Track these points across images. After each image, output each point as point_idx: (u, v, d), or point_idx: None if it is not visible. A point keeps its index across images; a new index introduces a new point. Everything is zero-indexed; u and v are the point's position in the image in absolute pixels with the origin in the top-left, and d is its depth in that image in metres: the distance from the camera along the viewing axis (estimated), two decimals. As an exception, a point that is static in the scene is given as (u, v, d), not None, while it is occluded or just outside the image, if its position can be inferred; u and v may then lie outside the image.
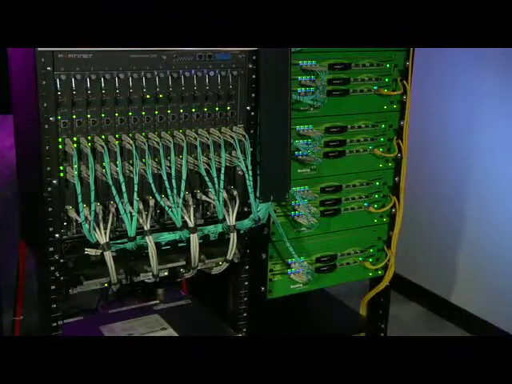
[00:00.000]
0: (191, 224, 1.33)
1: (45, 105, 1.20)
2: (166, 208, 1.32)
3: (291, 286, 1.65)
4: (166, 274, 1.37)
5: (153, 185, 1.29)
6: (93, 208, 1.23)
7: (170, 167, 1.31)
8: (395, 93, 1.63)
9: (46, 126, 1.21)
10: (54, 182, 1.25)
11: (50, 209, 1.26)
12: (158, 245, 1.31)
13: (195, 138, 1.35)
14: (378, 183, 1.69)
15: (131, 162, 1.29)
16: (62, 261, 1.29)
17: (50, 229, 1.27)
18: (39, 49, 1.17)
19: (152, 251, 1.28)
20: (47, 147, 1.22)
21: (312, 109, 1.54)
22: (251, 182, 1.40)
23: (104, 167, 1.25)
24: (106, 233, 1.25)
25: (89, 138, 1.27)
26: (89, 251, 1.26)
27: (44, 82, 1.19)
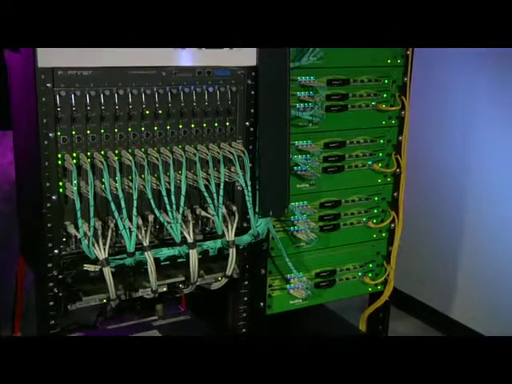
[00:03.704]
0: (190, 239, 1.33)
1: (44, 121, 1.21)
2: (165, 224, 1.32)
3: (290, 302, 1.64)
4: (165, 289, 1.37)
5: (152, 200, 1.29)
6: (92, 224, 1.23)
7: (169, 183, 1.31)
8: (393, 108, 1.64)
9: (46, 142, 1.22)
10: (54, 197, 1.25)
11: (49, 224, 1.26)
12: (157, 260, 1.31)
13: (194, 154, 1.35)
14: (376, 198, 1.70)
15: (130, 177, 1.29)
16: (60, 277, 1.28)
17: (49, 244, 1.27)
18: (39, 65, 1.17)
19: (151, 267, 1.28)
20: (47, 163, 1.23)
21: (311, 124, 1.55)
22: (250, 198, 1.41)
23: (103, 183, 1.25)
24: (105, 248, 1.25)
25: (88, 153, 1.27)
26: (88, 267, 1.26)
27: (44, 99, 1.20)
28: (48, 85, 1.20)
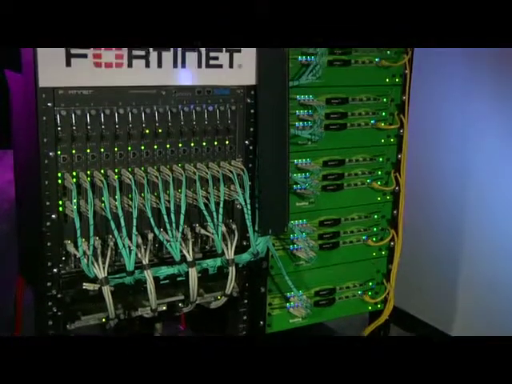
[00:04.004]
0: (190, 258, 1.33)
1: (45, 140, 1.21)
2: (165, 242, 1.32)
3: (290, 320, 1.64)
4: (164, 308, 1.37)
5: (151, 219, 1.29)
6: (91, 242, 1.23)
7: (168, 201, 1.31)
8: (392, 127, 1.64)
9: (46, 161, 1.22)
10: (53, 216, 1.25)
11: (48, 243, 1.26)
12: (156, 279, 1.31)
13: (194, 172, 1.35)
14: (376, 216, 1.70)
15: (130, 196, 1.29)
16: (59, 296, 1.28)
17: (48, 263, 1.26)
18: (40, 85, 1.18)
19: (150, 286, 1.28)
20: (47, 182, 1.23)
21: (310, 143, 1.55)
22: (250, 216, 1.41)
23: (103, 201, 1.25)
24: (104, 267, 1.24)
25: (88, 172, 1.27)
26: (87, 286, 1.25)
27: (44, 118, 1.20)
28: (49, 104, 1.20)
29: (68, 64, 1.20)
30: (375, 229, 1.70)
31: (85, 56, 1.21)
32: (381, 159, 1.67)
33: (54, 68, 1.19)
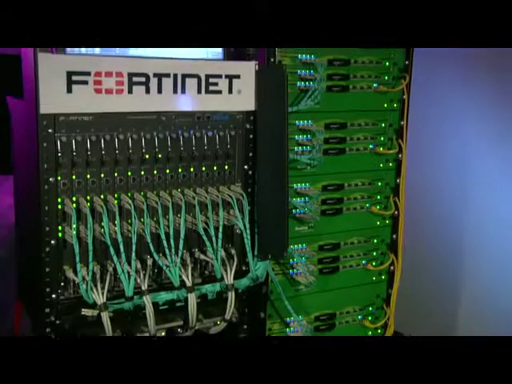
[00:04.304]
0: (189, 283, 1.33)
1: (45, 166, 1.22)
2: (164, 267, 1.32)
3: (290, 346, 1.63)
4: (163, 334, 1.36)
5: (151, 244, 1.29)
6: (90, 268, 1.23)
7: (168, 226, 1.32)
8: (391, 151, 1.65)
9: (46, 187, 1.22)
10: (53, 242, 1.25)
11: (47, 269, 1.25)
12: (155, 305, 1.30)
13: (193, 197, 1.36)
14: (375, 241, 1.70)
15: (130, 221, 1.29)
16: (58, 322, 1.27)
17: (47, 289, 1.26)
18: (42, 112, 1.19)
19: (149, 311, 1.27)
20: (46, 207, 1.23)
21: (309, 167, 1.56)
22: (249, 241, 1.41)
23: (102, 227, 1.25)
24: (103, 293, 1.24)
25: (88, 197, 1.28)
26: (85, 312, 1.25)
27: (45, 144, 1.21)
28: (49, 130, 1.21)
29: (69, 90, 1.21)
30: (375, 253, 1.70)
31: (85, 82, 1.22)
32: (380, 184, 1.67)
33: (55, 94, 1.20)
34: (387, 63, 1.61)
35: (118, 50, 1.30)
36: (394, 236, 1.71)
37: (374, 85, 1.60)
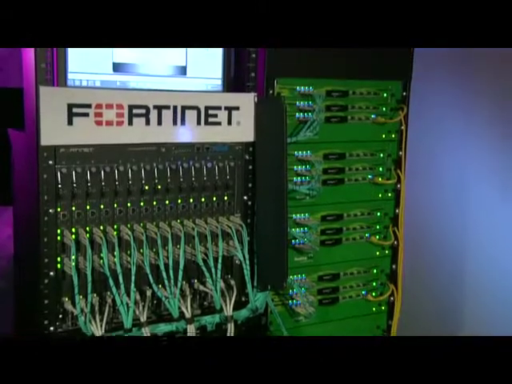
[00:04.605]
0: (188, 315, 1.32)
1: (45, 197, 1.22)
2: (163, 299, 1.31)
3: (290, 378, 1.61)
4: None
5: (150, 275, 1.29)
6: (89, 300, 1.23)
7: (167, 257, 1.31)
8: (389, 182, 1.66)
9: (46, 218, 1.23)
10: (51, 273, 1.24)
11: (45, 301, 1.25)
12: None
13: (193, 228, 1.36)
14: (375, 271, 1.69)
15: (129, 252, 1.29)
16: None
17: (45, 321, 1.25)
18: (42, 144, 1.20)
19: (148, 343, 1.26)
20: (46, 239, 1.23)
21: (308, 197, 1.56)
22: (248, 272, 1.40)
23: (102, 258, 1.25)
24: (101, 325, 1.23)
25: (87, 228, 1.28)
26: (84, 344, 1.24)
27: (45, 176, 1.22)
28: (50, 162, 1.22)
29: (70, 123, 1.22)
30: (374, 283, 1.70)
31: (86, 115, 1.23)
32: (379, 214, 1.67)
33: (55, 127, 1.21)
34: (385, 94, 1.63)
35: (118, 83, 1.32)
36: (394, 266, 1.71)
37: (372, 116, 1.62)
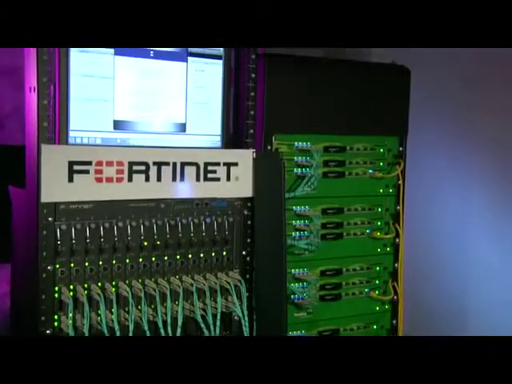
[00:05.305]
0: (186, 373, 1.30)
1: (44, 254, 1.22)
2: (161, 357, 1.29)
3: None
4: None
5: (148, 332, 1.27)
6: (86, 358, 1.21)
7: (165, 314, 1.30)
8: (388, 236, 1.66)
9: (44, 275, 1.22)
10: (48, 332, 1.23)
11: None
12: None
13: (191, 284, 1.35)
14: (375, 327, 1.68)
15: (127, 309, 1.28)
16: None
17: (41, 381, 1.23)
18: (42, 200, 1.21)
19: (145, 403, 1.23)
20: (43, 296, 1.22)
21: (307, 252, 1.56)
22: (247, 328, 1.39)
23: (99, 315, 1.24)
24: (98, 384, 1.21)
25: (85, 285, 1.27)
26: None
27: (45, 232, 1.22)
28: (50, 219, 1.22)
29: (70, 180, 1.23)
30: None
31: (87, 172, 1.25)
32: (378, 268, 1.67)
33: (56, 184, 1.22)
34: (382, 149, 1.65)
35: (119, 140, 1.33)
36: (394, 321, 1.69)
37: (370, 170, 1.64)
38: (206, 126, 1.43)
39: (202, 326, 1.34)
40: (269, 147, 1.49)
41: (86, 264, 1.27)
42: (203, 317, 1.35)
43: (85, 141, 1.30)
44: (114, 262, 1.30)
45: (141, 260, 1.33)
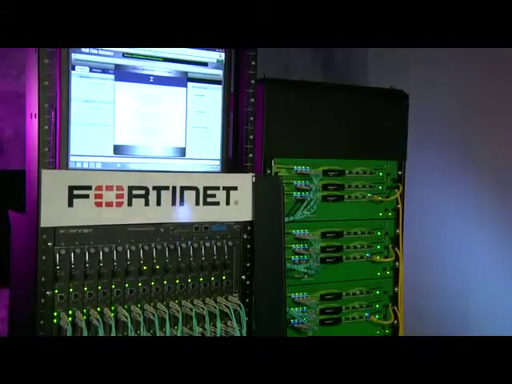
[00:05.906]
0: (185, 399, 1.28)
1: (43, 279, 1.21)
2: (160, 383, 1.28)
3: None
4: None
5: (147, 358, 1.26)
6: (84, 385, 1.20)
7: (164, 339, 1.30)
8: (387, 260, 1.66)
9: (43, 301, 1.22)
10: (46, 357, 1.22)
11: (39, 386, 1.22)
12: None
13: (191, 309, 1.35)
14: (376, 351, 1.67)
15: (126, 333, 1.27)
16: None
17: (39, 408, 1.22)
18: (42, 225, 1.21)
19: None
20: (42, 322, 1.22)
21: (306, 276, 1.56)
22: (247, 353, 1.38)
23: (98, 341, 1.23)
24: (96, 411, 1.20)
25: (84, 310, 1.26)
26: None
27: (44, 257, 1.22)
28: (49, 244, 1.22)
29: (70, 204, 1.23)
30: (375, 364, 1.67)
31: (87, 196, 1.25)
32: (378, 292, 1.67)
33: (56, 209, 1.22)
34: (381, 173, 1.66)
35: (118, 165, 1.34)
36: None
37: (369, 194, 1.64)
38: (205, 150, 1.44)
39: (202, 351, 1.33)
40: (268, 171, 1.50)
41: (85, 289, 1.27)
42: (202, 342, 1.34)
43: (85, 165, 1.30)
44: (113, 286, 1.30)
45: (140, 284, 1.33)
